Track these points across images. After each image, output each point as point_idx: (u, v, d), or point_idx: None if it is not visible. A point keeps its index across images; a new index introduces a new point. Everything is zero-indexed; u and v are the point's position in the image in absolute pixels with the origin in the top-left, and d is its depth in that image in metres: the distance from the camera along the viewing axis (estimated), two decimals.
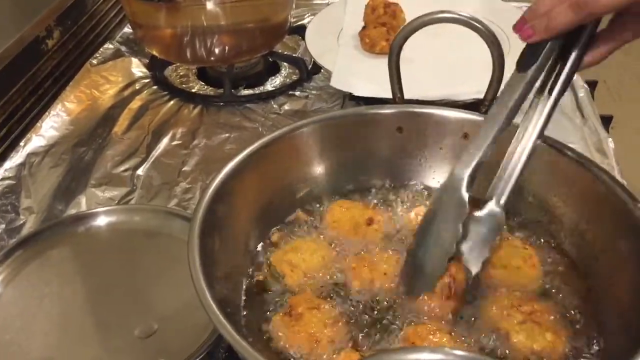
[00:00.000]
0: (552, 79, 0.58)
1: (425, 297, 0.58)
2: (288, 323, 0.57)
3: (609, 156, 0.87)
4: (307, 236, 0.66)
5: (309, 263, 0.62)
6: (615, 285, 0.59)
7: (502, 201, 0.59)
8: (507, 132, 0.58)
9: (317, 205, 0.70)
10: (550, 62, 0.58)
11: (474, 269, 0.59)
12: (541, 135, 0.59)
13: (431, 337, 0.55)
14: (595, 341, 0.57)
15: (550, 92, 0.58)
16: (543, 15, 0.54)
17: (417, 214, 0.68)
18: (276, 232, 0.67)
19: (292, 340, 0.56)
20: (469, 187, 0.57)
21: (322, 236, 0.66)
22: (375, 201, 0.71)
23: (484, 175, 0.59)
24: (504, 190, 0.59)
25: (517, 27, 0.56)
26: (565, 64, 0.57)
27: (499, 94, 0.60)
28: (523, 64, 0.58)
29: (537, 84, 0.59)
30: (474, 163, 0.57)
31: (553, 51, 0.57)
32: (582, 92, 0.99)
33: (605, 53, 0.57)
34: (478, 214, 0.59)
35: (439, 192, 0.60)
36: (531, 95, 0.59)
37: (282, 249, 0.64)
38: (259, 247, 0.65)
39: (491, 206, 0.59)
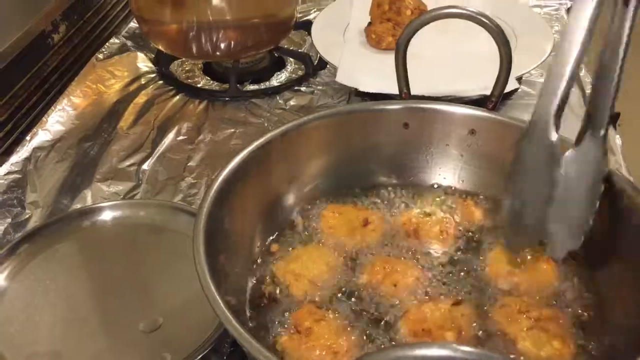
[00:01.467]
0: None
1: None
2: (299, 341, 0.55)
3: (616, 153, 0.86)
4: (309, 242, 0.66)
5: (313, 271, 0.61)
6: (624, 287, 0.58)
7: (602, 131, 0.51)
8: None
9: (318, 207, 0.69)
10: None
11: (576, 242, 0.53)
12: (626, 52, 0.51)
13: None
14: (602, 344, 0.56)
15: (626, 3, 0.50)
16: None
17: (422, 212, 0.68)
18: (274, 243, 0.65)
19: (309, 357, 0.54)
20: (557, 128, 0.51)
21: (321, 242, 0.66)
22: (383, 196, 0.71)
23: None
24: (602, 116, 0.51)
25: None
26: None
27: (569, 15, 0.53)
28: None
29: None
30: (558, 97, 0.50)
31: None
32: (589, 88, 0.98)
33: None
34: (570, 153, 0.52)
35: (524, 141, 0.53)
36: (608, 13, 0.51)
37: (285, 259, 0.63)
38: (264, 247, 0.65)
39: (588, 137, 0.51)
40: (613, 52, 0.51)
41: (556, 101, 0.51)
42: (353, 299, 0.60)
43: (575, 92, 0.99)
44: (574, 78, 0.51)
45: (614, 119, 0.95)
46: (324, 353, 0.54)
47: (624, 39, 0.51)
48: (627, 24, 0.51)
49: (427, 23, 0.69)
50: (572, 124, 0.90)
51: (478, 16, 0.66)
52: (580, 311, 0.59)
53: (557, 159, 0.52)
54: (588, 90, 0.98)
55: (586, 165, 0.52)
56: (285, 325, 0.57)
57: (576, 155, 0.53)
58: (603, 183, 0.53)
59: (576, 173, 0.53)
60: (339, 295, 0.61)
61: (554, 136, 0.52)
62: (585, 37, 0.51)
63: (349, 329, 0.57)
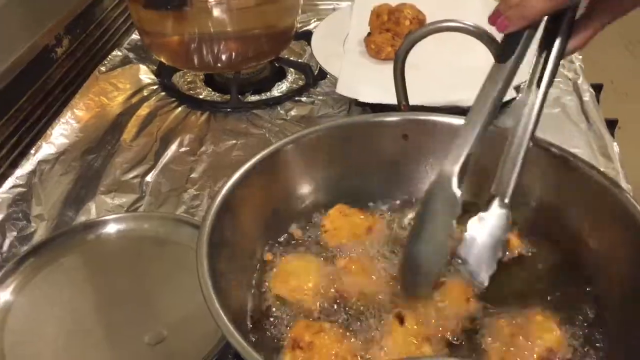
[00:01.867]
0: (539, 72, 0.59)
1: None
2: (303, 357, 0.55)
3: (614, 160, 0.87)
4: (306, 251, 0.67)
5: (307, 282, 0.62)
6: (620, 292, 0.59)
7: (507, 199, 0.58)
8: (500, 136, 0.59)
9: (320, 214, 0.70)
10: (535, 54, 0.59)
11: (485, 281, 0.57)
12: (534, 128, 0.59)
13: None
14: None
15: (538, 85, 0.59)
16: (517, 5, 0.55)
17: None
18: (268, 253, 0.66)
19: None
20: (460, 183, 0.56)
21: (321, 243, 0.67)
22: (382, 208, 0.71)
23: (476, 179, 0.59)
24: (506, 188, 0.58)
25: (492, 20, 0.57)
26: (549, 54, 0.58)
27: (480, 86, 0.59)
28: (502, 54, 0.58)
29: (524, 79, 0.60)
30: (462, 157, 0.56)
31: (531, 39, 0.58)
32: (587, 96, 1.00)
33: (588, 37, 0.58)
34: (483, 214, 0.58)
35: (429, 191, 0.59)
36: (520, 92, 0.60)
37: (277, 272, 0.64)
38: (263, 259, 0.66)
39: (495, 204, 0.58)
40: (524, 130, 0.59)
41: (460, 160, 0.57)
42: (348, 308, 0.61)
43: (573, 99, 1.00)
44: (479, 140, 0.57)
45: (611, 125, 0.97)
46: None
47: (534, 118, 0.59)
48: (537, 105, 0.59)
49: (426, 36, 0.70)
50: (570, 132, 0.92)
51: (476, 30, 0.67)
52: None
53: (457, 212, 0.56)
54: (586, 98, 0.99)
55: (490, 229, 0.58)
56: (285, 342, 0.58)
57: (482, 218, 0.58)
58: (502, 248, 0.58)
59: (480, 234, 0.58)
60: (334, 304, 0.62)
61: (456, 190, 0.56)
62: (495, 102, 0.58)
63: (349, 334, 0.58)
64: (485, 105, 0.58)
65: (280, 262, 0.65)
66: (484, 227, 0.58)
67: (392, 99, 0.78)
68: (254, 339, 0.59)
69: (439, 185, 0.58)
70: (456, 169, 0.57)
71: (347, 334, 0.58)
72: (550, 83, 0.59)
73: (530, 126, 0.59)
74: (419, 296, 0.60)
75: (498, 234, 0.58)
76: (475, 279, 0.58)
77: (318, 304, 0.61)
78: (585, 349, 0.57)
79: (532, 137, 0.59)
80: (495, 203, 0.58)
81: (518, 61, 0.58)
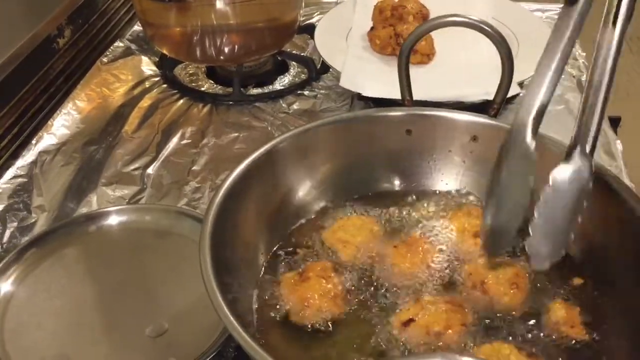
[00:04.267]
0: (614, 8, 0.53)
1: None
2: (295, 282, 0.60)
3: (616, 158, 0.87)
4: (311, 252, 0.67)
5: (358, 238, 0.65)
6: (622, 290, 0.59)
7: (588, 146, 0.53)
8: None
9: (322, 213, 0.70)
10: None
11: (557, 254, 0.55)
12: (614, 67, 0.53)
13: None
14: None
15: (614, 23, 0.53)
16: None
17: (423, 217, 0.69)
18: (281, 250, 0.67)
19: (287, 297, 0.60)
20: (535, 134, 0.53)
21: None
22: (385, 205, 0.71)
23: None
24: (587, 136, 0.53)
25: None
26: None
27: (552, 28, 0.55)
28: None
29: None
30: (536, 106, 0.53)
31: None
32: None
33: None
34: (556, 171, 0.54)
35: (503, 147, 0.56)
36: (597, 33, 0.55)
37: (331, 228, 0.67)
38: (268, 254, 0.66)
39: (577, 155, 0.53)
40: (602, 72, 0.53)
41: (534, 110, 0.54)
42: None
43: (577, 96, 0.99)
44: (553, 88, 0.54)
45: (614, 123, 0.97)
46: (298, 299, 0.59)
47: (612, 60, 0.53)
48: (615, 44, 0.53)
49: (430, 31, 0.70)
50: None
51: (481, 25, 0.67)
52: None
53: (533, 165, 0.54)
54: None
55: (572, 182, 0.54)
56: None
57: (563, 170, 0.54)
58: (587, 200, 0.55)
59: (562, 187, 0.54)
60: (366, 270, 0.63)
61: (531, 142, 0.54)
62: (566, 48, 0.54)
63: (338, 296, 0.60)
64: (556, 52, 0.54)
65: (291, 262, 0.65)
66: (566, 179, 0.54)
67: (395, 94, 0.78)
68: (257, 329, 0.59)
69: (513, 139, 0.55)
70: (530, 118, 0.54)
71: (336, 296, 0.60)
72: (628, 19, 0.53)
73: (609, 67, 0.53)
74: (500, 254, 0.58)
75: (575, 200, 0.54)
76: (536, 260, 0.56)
77: (352, 263, 0.64)
78: None
79: (612, 79, 0.54)
80: (577, 152, 0.54)
81: (588, 3, 0.54)
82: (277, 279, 0.63)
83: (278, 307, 0.61)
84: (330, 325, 0.59)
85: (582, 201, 0.55)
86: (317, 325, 0.59)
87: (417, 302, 0.59)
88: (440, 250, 0.65)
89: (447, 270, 0.63)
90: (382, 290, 0.62)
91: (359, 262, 0.64)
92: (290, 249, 0.66)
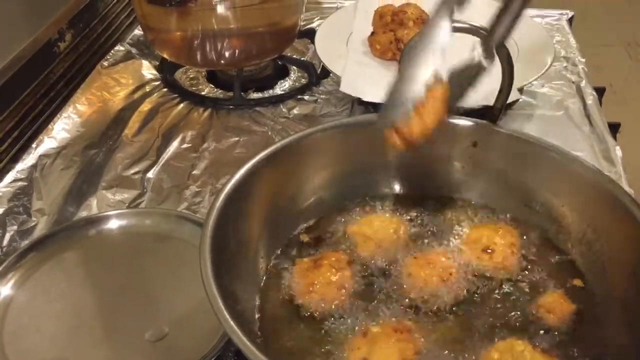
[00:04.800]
0: None
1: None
2: (306, 267, 0.62)
3: (616, 164, 0.87)
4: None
5: (380, 235, 0.66)
6: (622, 293, 0.59)
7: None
8: None
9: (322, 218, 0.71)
10: None
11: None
12: None
13: None
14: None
15: None
16: None
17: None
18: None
19: (293, 281, 0.62)
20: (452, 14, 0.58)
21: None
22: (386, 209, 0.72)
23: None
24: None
25: None
26: None
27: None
28: None
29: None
30: None
31: None
32: (590, 99, 1.00)
33: None
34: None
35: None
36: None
37: (357, 222, 0.68)
38: (269, 259, 0.66)
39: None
40: None
41: None
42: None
43: (576, 102, 1.00)
44: None
45: (614, 129, 0.97)
46: (304, 285, 0.61)
47: None
48: None
49: None
50: (573, 135, 0.92)
51: (481, 31, 0.67)
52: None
53: (446, 37, 0.59)
54: (589, 102, 0.99)
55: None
56: None
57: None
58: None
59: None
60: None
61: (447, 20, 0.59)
62: None
63: (343, 289, 0.62)
64: None
65: (293, 266, 0.66)
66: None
67: None
68: (258, 333, 0.59)
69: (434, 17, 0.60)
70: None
71: (341, 289, 0.61)
72: None
73: None
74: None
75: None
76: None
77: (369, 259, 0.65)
78: None
79: None
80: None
81: None
82: (279, 282, 0.63)
83: (279, 311, 0.61)
84: (330, 325, 0.60)
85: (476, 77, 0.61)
86: (315, 313, 0.61)
87: (365, 335, 0.58)
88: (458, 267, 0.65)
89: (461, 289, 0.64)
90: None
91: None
92: (290, 255, 0.67)
